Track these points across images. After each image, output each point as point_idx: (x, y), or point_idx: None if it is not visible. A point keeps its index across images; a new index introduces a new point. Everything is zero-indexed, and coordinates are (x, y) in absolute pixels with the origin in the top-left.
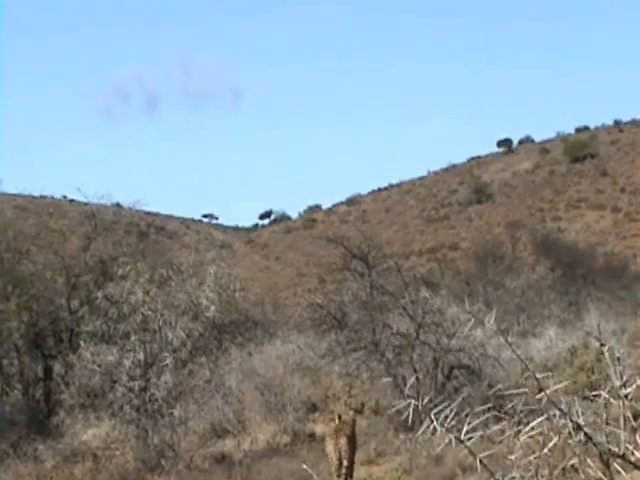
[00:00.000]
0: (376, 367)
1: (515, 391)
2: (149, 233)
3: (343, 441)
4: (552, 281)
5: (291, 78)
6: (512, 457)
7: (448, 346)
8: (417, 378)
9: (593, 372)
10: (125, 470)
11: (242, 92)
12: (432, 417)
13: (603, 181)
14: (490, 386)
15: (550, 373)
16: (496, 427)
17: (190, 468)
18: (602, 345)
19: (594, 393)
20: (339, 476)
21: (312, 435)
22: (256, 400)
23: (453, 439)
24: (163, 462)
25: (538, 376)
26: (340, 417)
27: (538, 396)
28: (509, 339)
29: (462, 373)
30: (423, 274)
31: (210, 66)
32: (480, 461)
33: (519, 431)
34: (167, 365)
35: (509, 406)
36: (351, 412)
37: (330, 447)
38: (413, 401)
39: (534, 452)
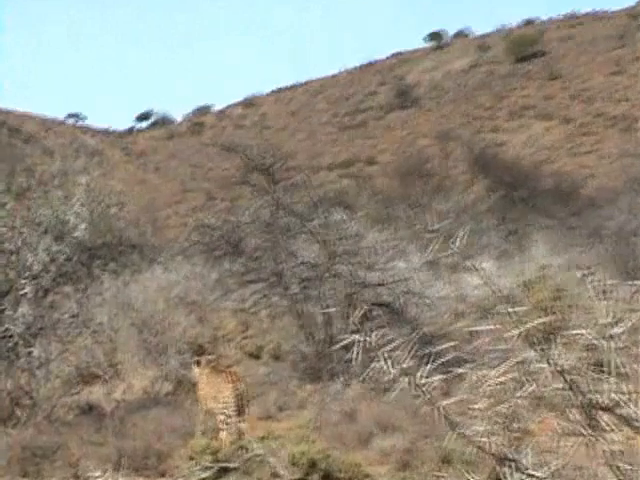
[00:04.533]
0: (278, 303)
1: (483, 327)
2: (0, 134)
3: (240, 386)
4: (490, 205)
5: None
6: (477, 407)
7: (365, 280)
8: (365, 314)
9: (552, 313)
10: None
11: None
12: (383, 356)
13: (552, 86)
14: (413, 329)
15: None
16: (460, 370)
17: (51, 420)
18: (585, 276)
19: (575, 332)
20: (230, 423)
21: None
22: (132, 340)
23: (409, 383)
24: (18, 412)
25: (511, 310)
26: (199, 362)
27: (508, 334)
28: (437, 275)
29: (381, 312)
30: (335, 192)
31: None
32: (441, 410)
33: (484, 377)
34: (25, 294)
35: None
36: (211, 356)
37: (227, 392)
38: (358, 337)
39: (502, 402)
